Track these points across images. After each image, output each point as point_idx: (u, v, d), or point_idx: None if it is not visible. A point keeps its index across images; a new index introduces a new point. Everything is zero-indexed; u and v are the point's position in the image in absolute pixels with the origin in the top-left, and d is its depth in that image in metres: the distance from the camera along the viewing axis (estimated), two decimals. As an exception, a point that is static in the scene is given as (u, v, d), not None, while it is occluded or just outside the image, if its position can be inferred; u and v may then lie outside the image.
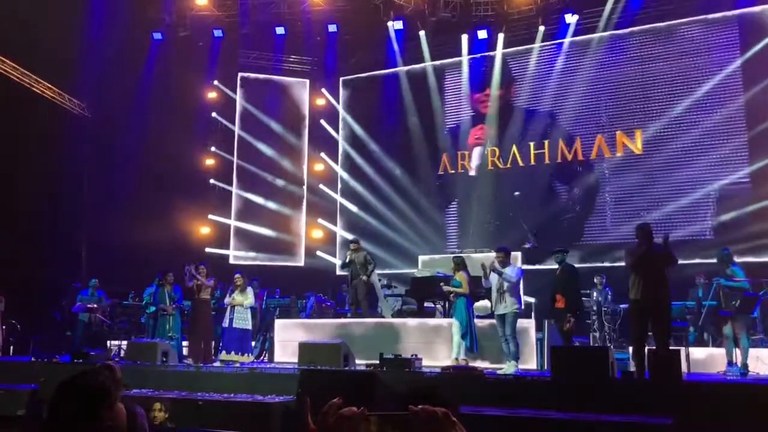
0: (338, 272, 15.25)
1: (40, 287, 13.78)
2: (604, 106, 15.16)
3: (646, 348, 7.67)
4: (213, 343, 11.67)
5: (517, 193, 15.74)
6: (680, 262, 11.43)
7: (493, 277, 9.29)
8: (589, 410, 6.54)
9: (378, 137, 17.27)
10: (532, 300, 11.49)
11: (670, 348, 7.66)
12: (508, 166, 16.00)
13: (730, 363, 8.83)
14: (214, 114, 17.77)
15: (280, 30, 16.80)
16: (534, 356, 9.96)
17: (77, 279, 14.23)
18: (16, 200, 13.72)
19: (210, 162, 17.70)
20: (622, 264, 8.63)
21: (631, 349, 8.63)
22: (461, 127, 16.60)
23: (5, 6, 12.86)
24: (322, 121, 18.03)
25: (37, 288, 13.71)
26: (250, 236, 17.52)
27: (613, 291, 11.94)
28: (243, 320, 10.79)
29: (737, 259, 9.96)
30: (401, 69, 17.08)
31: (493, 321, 9.55)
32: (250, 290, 11.14)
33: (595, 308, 12.05)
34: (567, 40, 15.48)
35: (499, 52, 16.17)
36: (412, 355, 9.00)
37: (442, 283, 10.43)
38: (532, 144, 15.75)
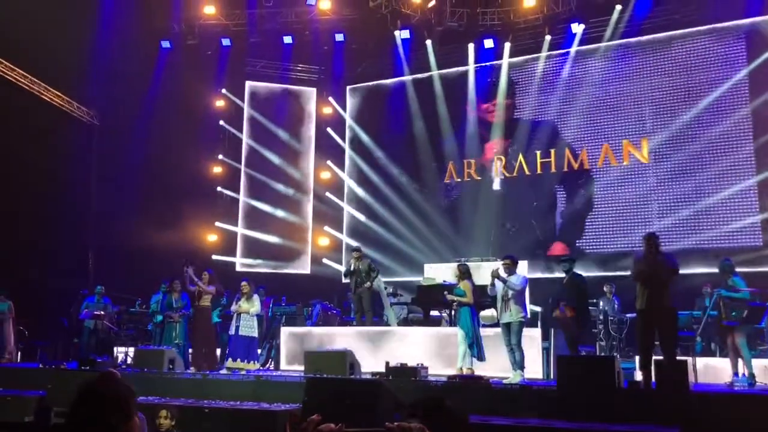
0: (344, 280, 15.29)
1: (48, 294, 13.85)
2: (611, 114, 15.16)
3: (653, 358, 7.65)
4: (216, 349, 11.67)
5: (534, 203, 15.72)
6: (687, 271, 11.54)
7: (498, 286, 9.28)
8: (595, 420, 6.53)
9: (384, 145, 17.33)
10: (538, 309, 11.48)
11: (677, 358, 7.64)
12: (515, 174, 16.02)
13: (736, 374, 8.80)
14: (221, 122, 17.88)
15: (287, 39, 16.91)
16: (540, 365, 9.94)
17: (85, 286, 14.30)
18: (24, 207, 13.81)
19: (217, 170, 17.79)
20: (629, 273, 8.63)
21: (637, 358, 8.61)
22: (467, 135, 16.62)
23: (14, 14, 12.97)
24: (329, 129, 18.10)
25: (44, 295, 13.78)
26: (256, 244, 17.58)
27: (621, 300, 11.91)
28: (249, 328, 10.80)
29: (744, 269, 9.94)
30: (408, 78, 17.15)
31: (499, 330, 9.54)
32: (256, 298, 11.16)
33: (601, 317, 12.03)
34: (573, 50, 15.52)
35: (505, 61, 16.21)
36: (418, 364, 9.00)
37: (445, 291, 10.41)
38: (538, 153, 15.77)
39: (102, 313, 12.88)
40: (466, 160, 16.63)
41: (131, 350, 12.11)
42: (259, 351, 11.77)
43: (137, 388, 2.71)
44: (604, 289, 12.27)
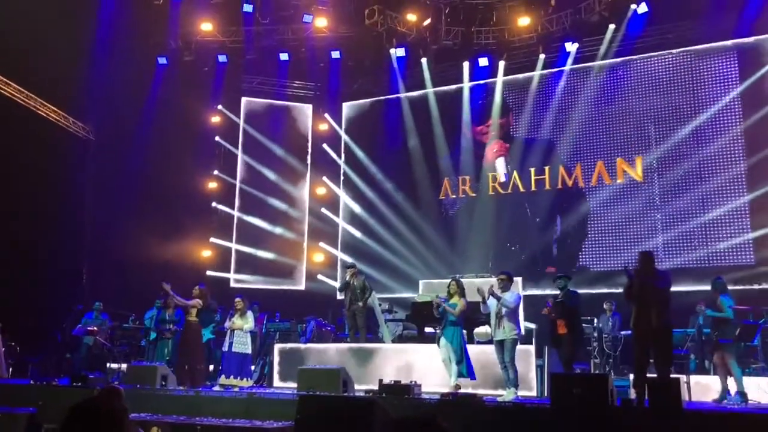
0: (339, 296, 15.27)
1: (40, 309, 13.76)
2: (605, 132, 15.26)
3: (647, 376, 7.65)
4: (201, 366, 11.51)
5: (537, 219, 15.75)
6: (681, 289, 11.58)
7: (492, 303, 9.28)
8: (588, 438, 6.51)
9: (380, 162, 17.39)
10: (532, 326, 11.47)
11: (671, 376, 7.64)
12: (509, 191, 16.08)
13: (728, 392, 8.80)
14: (217, 138, 17.92)
15: (284, 56, 17.01)
16: (534, 383, 9.92)
17: (78, 301, 14.23)
18: (18, 222, 13.76)
19: (213, 185, 17.80)
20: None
21: (632, 376, 8.60)
22: (462, 152, 16.71)
23: (11, 29, 13.02)
24: (325, 146, 18.16)
25: (36, 310, 13.69)
26: (251, 259, 17.56)
27: (623, 317, 11.85)
28: (242, 344, 10.75)
29: (737, 287, 9.97)
30: (403, 95, 17.28)
31: (490, 347, 9.52)
32: (250, 314, 11.11)
33: (596, 335, 12.02)
34: (567, 68, 15.65)
35: (500, 80, 16.35)
36: (411, 382, 8.96)
37: (437, 296, 10.15)
38: (532, 170, 15.85)
39: (95, 328, 12.80)
40: (460, 176, 16.70)
41: (124, 366, 12.03)
42: (252, 368, 11.72)
43: (129, 405, 2.71)
44: (604, 306, 12.25)
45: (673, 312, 9.78)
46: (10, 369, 13.02)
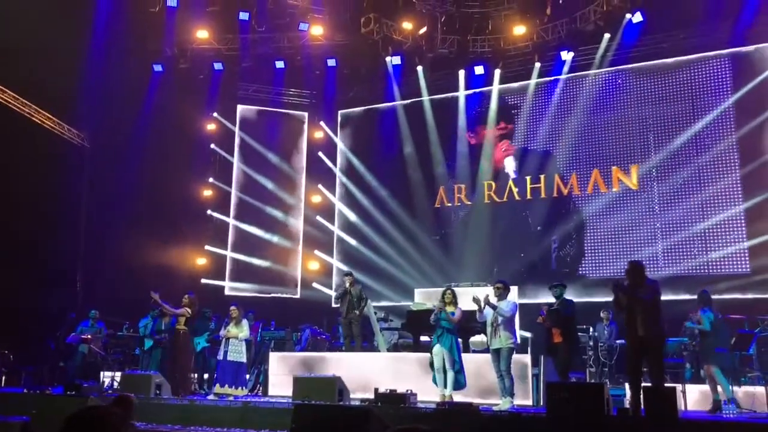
0: (334, 304, 15.23)
1: (34, 317, 13.69)
2: (600, 141, 15.30)
3: (642, 385, 7.64)
4: (190, 374, 11.44)
5: (533, 227, 15.75)
6: (677, 298, 11.61)
7: (488, 312, 9.26)
8: (584, 448, 6.49)
9: (375, 170, 17.40)
10: (528, 335, 11.45)
11: (666, 385, 7.63)
12: (505, 199, 16.10)
13: (725, 401, 8.81)
14: (212, 145, 17.89)
15: (279, 64, 17.02)
16: (530, 392, 9.90)
17: (72, 309, 14.16)
18: (12, 229, 13.69)
19: (208, 193, 17.77)
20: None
21: (627, 385, 8.60)
22: (458, 160, 16.73)
23: (5, 36, 12.99)
24: (320, 154, 18.16)
25: (30, 318, 13.62)
26: (246, 268, 17.51)
27: (618, 326, 11.85)
28: (237, 353, 10.70)
29: (732, 296, 9.98)
30: (399, 103, 17.31)
31: (486, 355, 9.49)
32: (245, 322, 11.07)
33: (591, 343, 12.00)
34: (563, 77, 15.70)
35: (495, 88, 16.39)
36: (407, 391, 8.93)
37: (436, 304, 10.08)
38: (528, 178, 15.88)
39: (90, 336, 12.74)
40: (456, 185, 16.71)
41: (118, 375, 11.96)
42: (247, 376, 11.67)
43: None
44: (601, 314, 12.23)
45: (668, 321, 9.84)
46: (3, 378, 12.94)
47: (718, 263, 13.54)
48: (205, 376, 12.57)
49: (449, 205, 16.75)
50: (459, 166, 16.71)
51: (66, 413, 2.76)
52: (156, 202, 16.19)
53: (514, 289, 11.30)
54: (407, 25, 15.88)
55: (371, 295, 13.98)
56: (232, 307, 11.08)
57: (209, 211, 17.61)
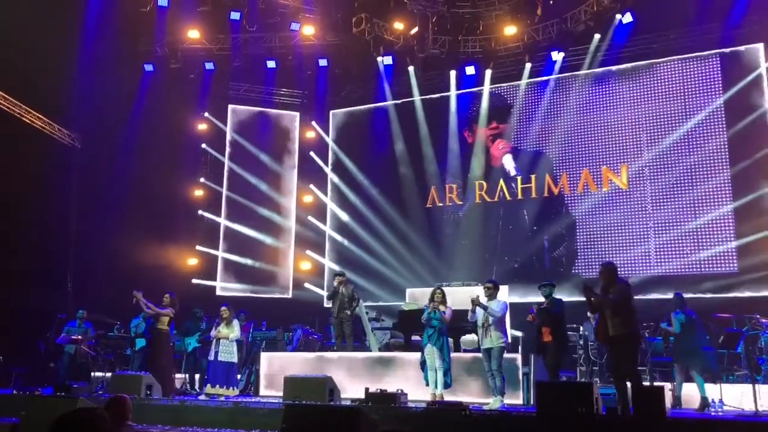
0: (326, 304, 15.25)
1: (24, 318, 13.63)
2: (590, 141, 15.37)
3: (630, 384, 7.70)
4: (172, 374, 11.46)
5: (523, 227, 15.79)
6: (665, 297, 11.66)
7: (479, 311, 9.30)
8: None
9: (367, 170, 17.41)
10: (519, 334, 11.49)
11: (655, 384, 7.69)
12: (496, 199, 16.14)
13: (713, 401, 8.89)
14: (203, 145, 17.86)
15: (271, 63, 17.01)
16: (520, 391, 9.94)
17: (63, 310, 14.11)
18: (2, 229, 13.64)
19: (199, 193, 17.73)
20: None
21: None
22: (449, 160, 16.77)
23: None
24: (312, 153, 18.16)
25: (20, 319, 13.56)
26: (237, 268, 17.49)
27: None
28: (228, 353, 10.71)
29: (721, 295, 10.04)
30: (390, 103, 17.32)
31: (476, 355, 9.53)
32: (236, 323, 11.07)
33: (581, 342, 12.05)
34: (553, 77, 15.76)
35: (486, 88, 16.43)
36: (398, 390, 8.96)
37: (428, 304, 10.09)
38: (519, 178, 15.93)
39: (80, 337, 12.71)
40: (447, 184, 16.75)
41: (108, 375, 11.93)
42: (238, 376, 11.67)
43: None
44: (588, 314, 12.28)
45: (657, 320, 9.93)
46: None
47: (707, 262, 13.62)
48: (197, 376, 12.56)
49: (441, 204, 16.79)
50: (450, 166, 16.75)
51: (56, 414, 2.77)
52: (147, 202, 16.16)
53: (504, 289, 11.36)
54: (399, 26, 15.90)
55: (362, 294, 13.99)
56: (223, 308, 11.09)
57: (200, 211, 17.57)
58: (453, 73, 16.61)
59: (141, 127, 16.34)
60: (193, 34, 16.53)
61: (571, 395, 7.40)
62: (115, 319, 13.94)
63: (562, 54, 15.50)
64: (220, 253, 17.55)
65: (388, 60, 16.50)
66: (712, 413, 8.53)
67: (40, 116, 15.70)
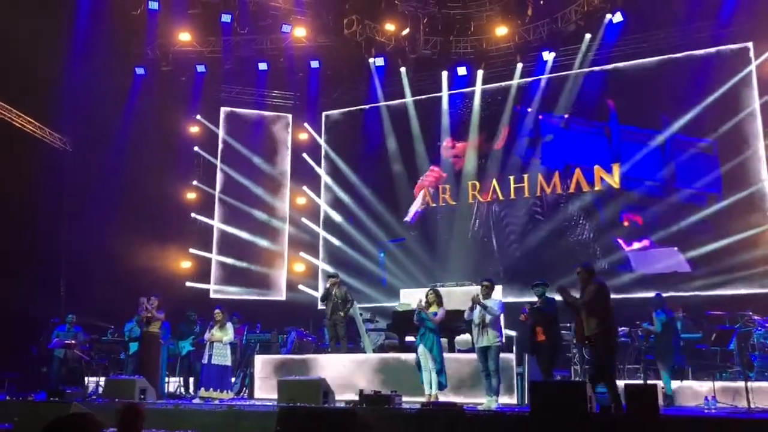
0: (320, 306, 15.25)
1: (16, 323, 13.57)
2: (582, 140, 15.40)
3: (624, 382, 7.75)
4: (158, 377, 11.44)
5: (516, 226, 15.80)
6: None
7: (476, 310, 9.30)
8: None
9: (360, 171, 17.42)
10: (513, 333, 11.51)
11: (648, 382, 7.73)
12: (489, 199, 16.17)
13: (706, 398, 8.92)
14: (196, 148, 17.84)
15: (262, 65, 17.01)
16: (515, 391, 9.95)
17: (56, 314, 14.06)
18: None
19: (191, 196, 17.70)
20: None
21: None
22: (442, 161, 16.80)
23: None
24: (305, 155, 18.14)
25: (12, 324, 13.50)
26: (231, 270, 17.47)
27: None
28: (222, 356, 10.69)
29: (714, 293, 10.10)
30: (382, 104, 17.34)
31: (470, 355, 9.53)
32: (229, 326, 11.06)
33: (575, 341, 12.07)
34: (544, 77, 15.80)
35: (478, 88, 16.48)
36: (392, 392, 8.96)
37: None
38: (512, 177, 15.95)
39: (73, 342, 12.67)
40: (440, 185, 16.76)
41: (102, 380, 11.90)
42: (233, 379, 11.65)
43: (107, 419, 2.70)
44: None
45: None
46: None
47: (699, 260, 13.67)
48: (191, 379, 12.53)
49: (434, 205, 16.80)
50: (443, 167, 16.77)
51: (49, 419, 2.76)
52: (140, 205, 16.12)
53: (498, 288, 11.38)
54: (390, 27, 15.93)
55: (356, 296, 13.97)
56: (217, 311, 11.08)
57: (193, 214, 17.53)
58: (445, 74, 16.64)
59: (133, 130, 16.31)
60: (184, 36, 16.52)
61: (564, 394, 7.42)
62: (108, 323, 13.90)
63: (553, 54, 15.55)
64: (214, 256, 17.52)
65: (379, 61, 16.52)
66: (706, 410, 8.55)
67: (30, 120, 15.64)
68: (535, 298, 9.79)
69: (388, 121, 17.27)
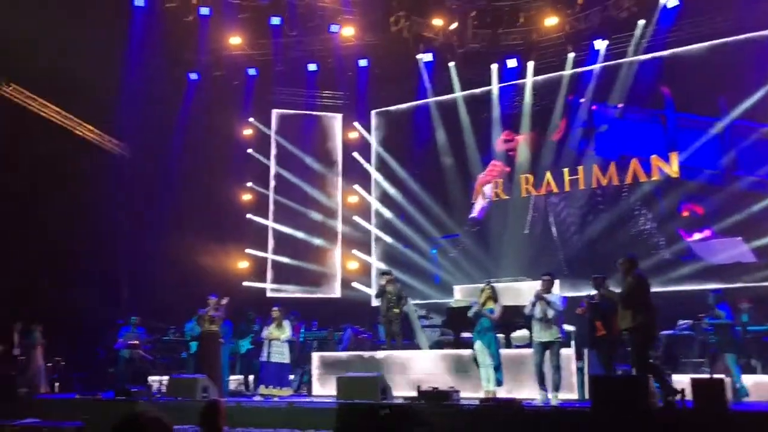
0: (374, 303, 15.29)
1: (83, 324, 14.04)
2: (638, 129, 15.00)
3: (692, 376, 7.55)
4: (221, 376, 11.54)
5: (572, 219, 15.55)
6: (725, 286, 11.45)
7: (537, 305, 9.18)
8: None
9: (410, 168, 17.39)
10: (571, 328, 11.32)
11: (714, 376, 7.48)
12: (543, 192, 15.92)
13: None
14: (249, 150, 18.11)
15: (312, 66, 17.17)
16: (574, 386, 9.79)
17: (119, 316, 14.50)
18: (58, 240, 14.07)
19: (247, 197, 18.00)
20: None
21: (674, 376, 8.48)
22: (493, 155, 16.62)
23: (45, 53, 13.37)
24: (355, 154, 18.22)
25: (79, 325, 13.98)
26: (286, 269, 17.69)
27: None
28: (280, 354, 10.84)
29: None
30: (432, 100, 17.27)
31: (527, 351, 9.41)
32: (287, 324, 11.21)
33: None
34: (597, 66, 15.45)
35: (529, 80, 16.22)
36: (450, 388, 8.93)
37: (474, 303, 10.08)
38: (566, 170, 15.66)
39: (137, 342, 13.08)
40: (496, 180, 16.60)
41: (165, 379, 12.20)
42: (291, 377, 11.80)
43: (171, 417, 2.76)
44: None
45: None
46: (57, 384, 13.32)
47: (764, 250, 13.15)
48: (251, 377, 12.75)
49: (496, 199, 16.60)
50: (503, 160, 16.57)
51: (118, 418, 2.84)
52: (196, 208, 16.48)
53: (556, 283, 11.20)
54: (437, 22, 15.84)
55: (410, 292, 13.98)
56: (275, 309, 11.26)
57: (249, 215, 17.82)
58: (494, 67, 16.46)
59: (187, 135, 16.68)
60: (235, 41, 16.79)
61: (625, 389, 7.26)
62: (169, 323, 14.25)
63: (605, 42, 15.18)
64: (269, 256, 17.78)
65: (428, 57, 16.47)
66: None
67: (92, 128, 16.14)
68: (593, 291, 9.61)
69: (438, 117, 17.19)
